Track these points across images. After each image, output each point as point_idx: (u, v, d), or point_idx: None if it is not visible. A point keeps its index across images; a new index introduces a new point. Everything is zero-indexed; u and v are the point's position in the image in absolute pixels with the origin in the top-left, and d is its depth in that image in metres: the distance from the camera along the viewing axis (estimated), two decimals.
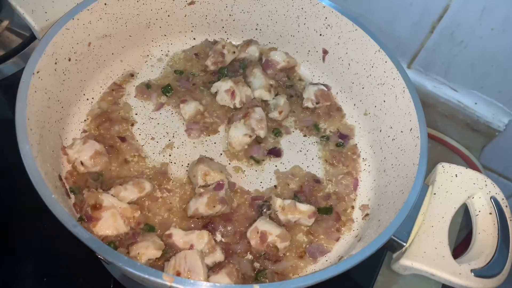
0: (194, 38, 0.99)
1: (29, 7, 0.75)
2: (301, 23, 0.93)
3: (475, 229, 0.76)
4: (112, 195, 0.71)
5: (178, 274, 0.64)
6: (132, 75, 0.91)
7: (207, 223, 0.74)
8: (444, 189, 0.77)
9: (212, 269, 0.67)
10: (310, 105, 0.91)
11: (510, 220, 0.75)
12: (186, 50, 0.97)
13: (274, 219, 0.75)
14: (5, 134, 0.63)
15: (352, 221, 0.80)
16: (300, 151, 0.87)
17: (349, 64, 0.91)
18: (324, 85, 0.94)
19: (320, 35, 0.92)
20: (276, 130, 0.88)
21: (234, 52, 0.95)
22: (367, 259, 0.61)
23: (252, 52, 0.97)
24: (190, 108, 0.86)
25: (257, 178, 0.82)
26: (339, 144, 0.89)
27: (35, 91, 0.67)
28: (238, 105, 0.88)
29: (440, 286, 0.84)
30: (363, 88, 0.90)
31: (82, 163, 0.74)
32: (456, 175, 0.79)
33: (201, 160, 0.80)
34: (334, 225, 0.78)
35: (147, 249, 0.66)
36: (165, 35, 0.95)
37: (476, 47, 0.99)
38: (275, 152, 0.85)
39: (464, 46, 1.01)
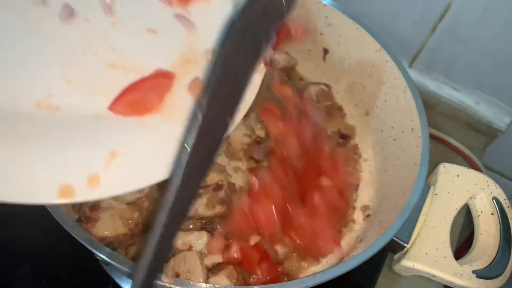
0: None
1: None
2: (301, 22, 0.92)
3: (476, 230, 0.76)
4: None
5: (177, 275, 0.64)
6: None
7: (206, 224, 0.73)
8: (446, 190, 0.77)
9: (212, 271, 0.67)
10: None
11: None
12: None
13: None
14: None
15: (353, 222, 0.80)
16: None
17: (350, 63, 0.90)
18: (325, 84, 0.94)
19: (321, 34, 0.92)
20: None
21: None
22: (368, 260, 0.61)
23: None
24: None
25: None
26: (340, 145, 0.88)
27: None
28: None
29: (442, 287, 0.83)
30: (364, 87, 0.89)
31: None
32: (457, 175, 0.78)
33: None
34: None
35: None
36: None
37: (478, 47, 0.99)
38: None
39: (465, 46, 1.00)
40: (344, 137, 0.89)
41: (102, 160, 0.42)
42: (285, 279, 0.69)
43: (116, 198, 0.71)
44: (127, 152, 0.44)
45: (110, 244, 0.68)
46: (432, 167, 0.78)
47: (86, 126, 0.45)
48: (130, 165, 0.43)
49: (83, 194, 0.40)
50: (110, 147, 0.43)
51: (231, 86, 0.48)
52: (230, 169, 0.82)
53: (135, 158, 0.44)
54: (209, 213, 0.72)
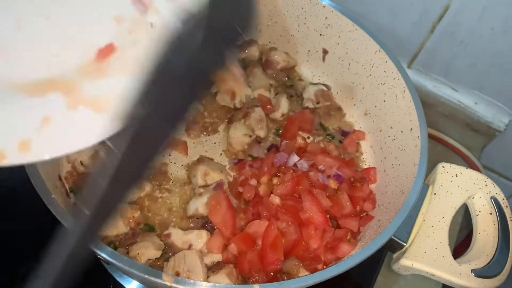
0: None
1: None
2: (301, 23, 0.93)
3: (475, 229, 0.76)
4: None
5: (177, 274, 0.64)
6: None
7: (206, 223, 0.73)
8: (444, 189, 0.77)
9: (212, 269, 0.67)
10: (310, 105, 0.91)
11: (511, 220, 0.75)
12: None
13: None
14: None
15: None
16: None
17: (349, 64, 0.91)
18: (324, 85, 0.94)
19: (320, 35, 0.92)
20: (277, 130, 0.88)
21: None
22: (367, 259, 0.61)
23: (252, 52, 0.97)
24: None
25: None
26: (341, 142, 0.89)
27: None
28: (238, 105, 0.88)
29: (441, 286, 0.84)
30: (363, 88, 0.90)
31: (82, 163, 0.74)
32: (456, 175, 0.79)
33: (201, 160, 0.80)
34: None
35: (147, 249, 0.66)
36: None
37: (477, 47, 0.99)
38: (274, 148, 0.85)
39: (464, 46, 1.00)
40: (345, 133, 0.90)
41: (34, 126, 0.44)
42: (285, 277, 0.70)
43: None
44: (60, 118, 0.45)
45: (111, 243, 0.68)
46: (431, 167, 0.79)
47: (17, 95, 0.46)
48: (63, 130, 0.45)
49: (15, 158, 0.43)
50: (43, 113, 0.45)
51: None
52: (230, 169, 0.82)
53: (68, 124, 0.46)
54: None
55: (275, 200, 0.73)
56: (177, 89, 0.41)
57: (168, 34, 0.38)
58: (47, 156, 0.44)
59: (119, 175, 0.38)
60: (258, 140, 0.86)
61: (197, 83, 0.43)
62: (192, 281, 0.55)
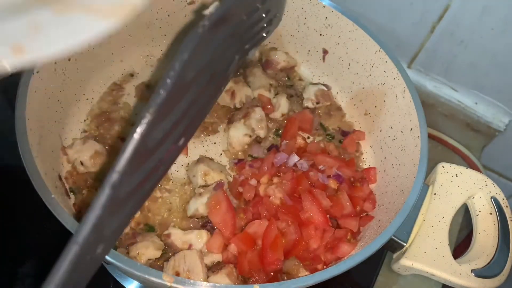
0: None
1: None
2: (301, 23, 0.93)
3: (475, 229, 0.76)
4: None
5: (177, 274, 0.64)
6: (132, 75, 0.91)
7: (206, 223, 0.74)
8: (445, 189, 0.77)
9: (212, 269, 0.67)
10: (310, 105, 0.91)
11: (511, 220, 0.75)
12: None
13: None
14: (5, 134, 0.62)
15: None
16: None
17: (349, 64, 0.91)
18: (324, 85, 0.94)
19: (320, 35, 0.92)
20: (277, 130, 0.88)
21: None
22: (367, 259, 0.61)
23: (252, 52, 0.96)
24: None
25: None
26: (340, 142, 0.89)
27: (35, 91, 0.67)
28: (238, 105, 0.88)
29: (441, 286, 0.84)
30: (363, 88, 0.90)
31: (82, 163, 0.74)
32: (456, 175, 0.79)
33: (201, 160, 0.80)
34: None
35: (147, 249, 0.66)
36: (165, 35, 0.95)
37: (476, 47, 0.99)
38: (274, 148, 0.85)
39: (464, 46, 1.00)
40: (345, 133, 0.90)
41: (23, 33, 0.43)
42: (285, 277, 0.70)
43: None
44: (50, 22, 0.44)
45: None
46: (431, 167, 0.79)
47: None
48: (55, 32, 0.43)
49: (10, 62, 0.41)
50: (30, 22, 0.43)
51: (183, 104, 0.43)
52: (230, 169, 0.82)
53: (60, 26, 0.44)
54: None
55: (275, 200, 0.73)
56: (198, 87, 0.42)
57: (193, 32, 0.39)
58: (44, 55, 0.44)
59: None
60: (258, 140, 0.86)
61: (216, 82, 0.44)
62: (192, 281, 0.55)
